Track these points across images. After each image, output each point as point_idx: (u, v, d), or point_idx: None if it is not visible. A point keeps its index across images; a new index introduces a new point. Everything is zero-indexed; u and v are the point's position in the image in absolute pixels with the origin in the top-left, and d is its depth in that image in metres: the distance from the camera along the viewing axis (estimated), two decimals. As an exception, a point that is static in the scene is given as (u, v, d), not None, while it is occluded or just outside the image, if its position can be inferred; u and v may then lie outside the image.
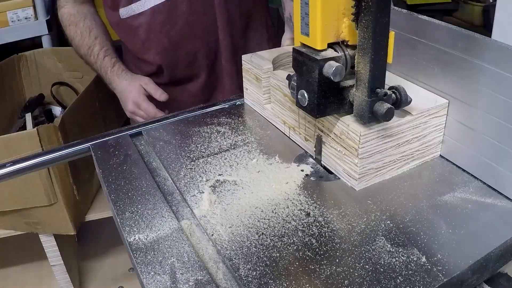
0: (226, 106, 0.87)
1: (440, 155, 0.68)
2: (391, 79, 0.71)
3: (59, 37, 1.76)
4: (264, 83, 0.79)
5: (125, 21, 1.12)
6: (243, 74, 0.85)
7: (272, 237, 0.55)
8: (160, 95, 1.11)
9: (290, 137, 0.76)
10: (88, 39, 1.16)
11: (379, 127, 0.59)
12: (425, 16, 0.67)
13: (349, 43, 0.59)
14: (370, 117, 0.57)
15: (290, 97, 0.71)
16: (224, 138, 0.77)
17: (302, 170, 0.67)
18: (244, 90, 0.87)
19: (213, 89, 1.19)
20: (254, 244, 0.54)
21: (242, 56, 0.84)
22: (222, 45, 1.13)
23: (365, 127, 0.59)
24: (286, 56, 0.85)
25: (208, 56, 1.13)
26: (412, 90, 0.67)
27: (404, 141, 0.63)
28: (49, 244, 1.35)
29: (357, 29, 0.55)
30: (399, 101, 0.58)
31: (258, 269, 0.51)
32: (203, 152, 0.73)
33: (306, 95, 0.60)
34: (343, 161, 0.63)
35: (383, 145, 0.61)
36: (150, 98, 1.12)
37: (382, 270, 0.50)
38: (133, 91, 1.11)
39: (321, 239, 0.55)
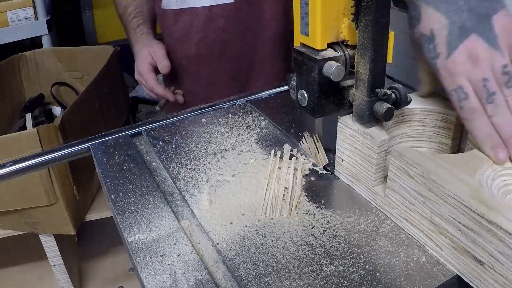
0: (226, 106, 0.87)
1: None
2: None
3: (59, 37, 1.76)
4: (378, 160, 0.58)
5: (164, 13, 1.11)
6: (338, 135, 0.62)
7: (272, 237, 0.55)
8: (162, 66, 1.05)
9: (419, 240, 0.54)
10: None
11: None
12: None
13: (349, 43, 0.59)
14: (370, 117, 0.57)
15: (428, 191, 0.50)
16: (224, 138, 0.77)
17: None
18: (337, 159, 0.65)
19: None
20: (254, 244, 0.54)
21: (339, 117, 0.62)
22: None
23: None
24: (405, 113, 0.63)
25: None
26: None
27: None
28: (49, 244, 1.35)
29: (356, 29, 0.55)
30: (399, 101, 0.58)
31: (258, 269, 0.51)
32: (203, 152, 0.74)
33: (306, 95, 0.60)
34: None
35: None
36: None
37: (382, 270, 0.50)
38: (141, 57, 1.08)
39: (321, 239, 0.55)
